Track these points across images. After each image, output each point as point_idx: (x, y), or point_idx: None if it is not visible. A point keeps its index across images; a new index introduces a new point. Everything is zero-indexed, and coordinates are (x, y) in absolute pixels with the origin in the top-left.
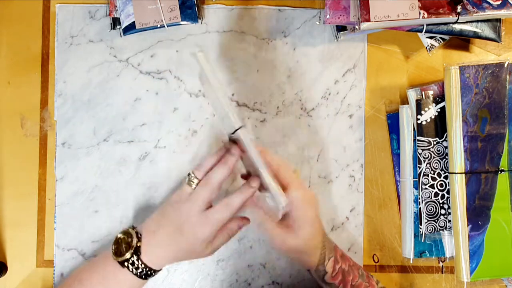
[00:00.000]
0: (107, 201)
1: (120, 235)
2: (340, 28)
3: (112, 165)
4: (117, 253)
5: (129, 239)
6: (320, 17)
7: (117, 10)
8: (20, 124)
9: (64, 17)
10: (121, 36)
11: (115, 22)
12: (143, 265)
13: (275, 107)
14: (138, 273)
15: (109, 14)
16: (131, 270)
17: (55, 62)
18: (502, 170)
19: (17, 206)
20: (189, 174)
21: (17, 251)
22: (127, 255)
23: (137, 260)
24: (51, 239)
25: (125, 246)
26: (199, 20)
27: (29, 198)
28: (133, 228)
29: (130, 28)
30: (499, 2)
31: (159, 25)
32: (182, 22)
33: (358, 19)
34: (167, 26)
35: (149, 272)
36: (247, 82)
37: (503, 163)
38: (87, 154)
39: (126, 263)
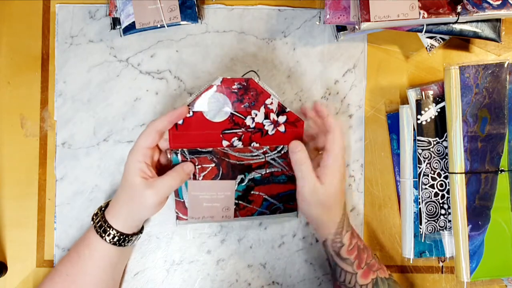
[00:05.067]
0: None
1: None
2: (340, 28)
3: (112, 165)
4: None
5: (103, 203)
6: (320, 17)
7: (117, 10)
8: (20, 124)
9: (64, 17)
10: (121, 36)
11: (115, 22)
12: (106, 224)
13: None
14: (106, 238)
15: (109, 14)
16: (96, 230)
17: (55, 62)
18: (502, 170)
19: (17, 206)
20: None
21: (17, 251)
22: (96, 210)
23: (101, 214)
24: (51, 239)
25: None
26: (199, 20)
27: (29, 198)
28: None
29: (130, 28)
30: (499, 2)
31: (159, 25)
32: (182, 22)
33: (358, 19)
34: (167, 26)
35: (112, 232)
36: None
37: (503, 163)
38: (87, 154)
39: (92, 221)
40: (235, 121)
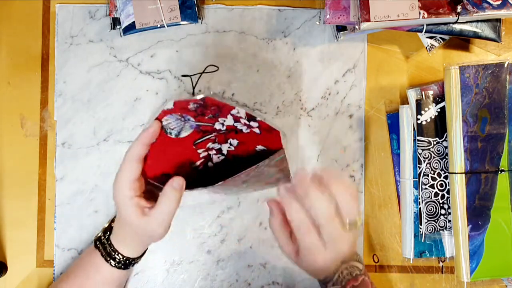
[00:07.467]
0: (107, 201)
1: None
2: (340, 28)
3: (112, 165)
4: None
5: (106, 224)
6: (320, 17)
7: (117, 10)
8: (20, 124)
9: (64, 17)
10: (121, 36)
11: (115, 22)
12: (112, 248)
13: (275, 107)
14: (113, 263)
15: (109, 14)
16: (102, 255)
17: (55, 62)
18: (502, 170)
19: (17, 206)
20: None
21: (17, 251)
22: (99, 234)
23: (107, 240)
24: (51, 239)
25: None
26: (199, 20)
27: (29, 198)
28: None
29: (130, 28)
30: (499, 2)
31: (159, 25)
32: (182, 22)
33: (358, 19)
34: (167, 26)
35: (119, 257)
36: (247, 82)
37: (503, 163)
38: (87, 154)
39: (98, 243)
40: (203, 130)
